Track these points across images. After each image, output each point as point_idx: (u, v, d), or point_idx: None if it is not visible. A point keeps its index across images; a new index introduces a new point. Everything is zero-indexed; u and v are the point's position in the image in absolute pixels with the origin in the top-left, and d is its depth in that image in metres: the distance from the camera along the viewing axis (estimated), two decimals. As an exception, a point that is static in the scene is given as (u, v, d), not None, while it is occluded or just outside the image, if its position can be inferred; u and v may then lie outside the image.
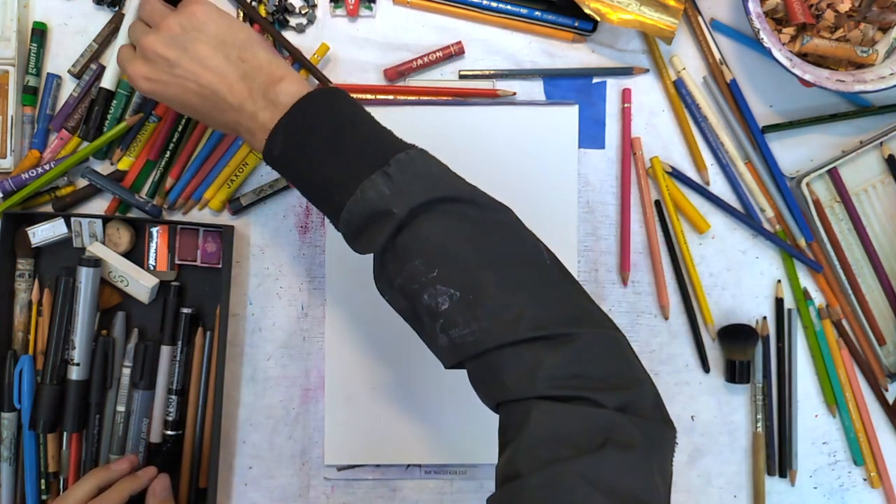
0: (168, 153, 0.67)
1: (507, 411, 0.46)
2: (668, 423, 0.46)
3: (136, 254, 0.67)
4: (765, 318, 0.69)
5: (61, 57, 0.67)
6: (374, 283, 0.51)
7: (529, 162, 0.68)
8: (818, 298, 0.70)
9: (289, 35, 0.68)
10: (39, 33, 0.66)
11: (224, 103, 0.52)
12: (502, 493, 0.44)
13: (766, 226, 0.69)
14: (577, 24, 0.68)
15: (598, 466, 0.41)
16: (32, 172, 0.65)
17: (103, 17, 0.67)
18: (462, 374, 0.51)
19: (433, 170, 0.50)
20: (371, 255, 0.50)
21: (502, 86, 0.68)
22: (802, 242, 0.69)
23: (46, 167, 0.65)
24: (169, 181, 0.67)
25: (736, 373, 0.68)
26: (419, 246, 0.47)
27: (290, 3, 0.67)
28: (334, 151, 0.49)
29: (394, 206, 0.47)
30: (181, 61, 0.52)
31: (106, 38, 0.67)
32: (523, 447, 0.43)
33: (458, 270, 0.47)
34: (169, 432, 0.66)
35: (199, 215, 0.68)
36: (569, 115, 0.68)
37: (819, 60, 0.65)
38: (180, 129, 0.66)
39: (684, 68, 0.68)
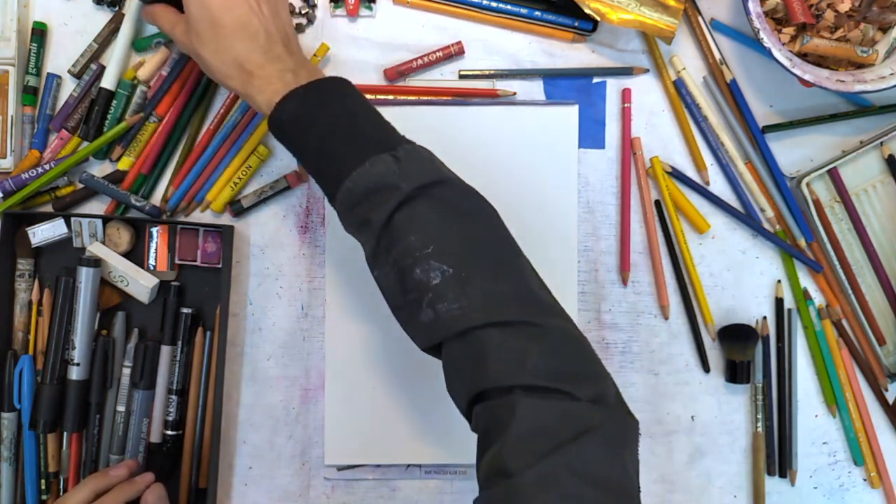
0: (161, 163, 0.67)
1: (488, 407, 0.48)
2: (631, 415, 0.49)
3: (136, 254, 0.67)
4: (765, 318, 0.69)
5: (61, 57, 0.67)
6: (367, 258, 0.53)
7: (529, 162, 0.68)
8: (818, 298, 0.70)
9: (289, 35, 0.68)
10: (39, 33, 0.66)
11: (266, 47, 0.55)
12: (495, 492, 0.45)
13: (766, 226, 0.69)
14: (577, 24, 0.68)
15: (581, 457, 0.44)
16: (32, 172, 0.65)
17: (103, 17, 0.67)
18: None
19: (434, 161, 0.54)
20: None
21: (502, 86, 0.68)
22: (802, 242, 0.69)
23: (46, 167, 0.65)
24: (170, 190, 0.67)
25: (736, 373, 0.68)
26: (416, 223, 0.50)
27: (290, 4, 0.67)
28: (345, 128, 0.53)
29: (402, 181, 0.50)
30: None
31: (106, 38, 0.67)
32: (510, 443, 0.45)
33: (452, 249, 0.49)
34: (169, 432, 0.66)
35: (199, 215, 0.68)
36: (569, 115, 0.68)
37: (819, 60, 0.65)
38: (176, 138, 0.67)
39: (684, 68, 0.68)
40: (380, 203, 0.50)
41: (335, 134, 0.52)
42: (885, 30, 0.65)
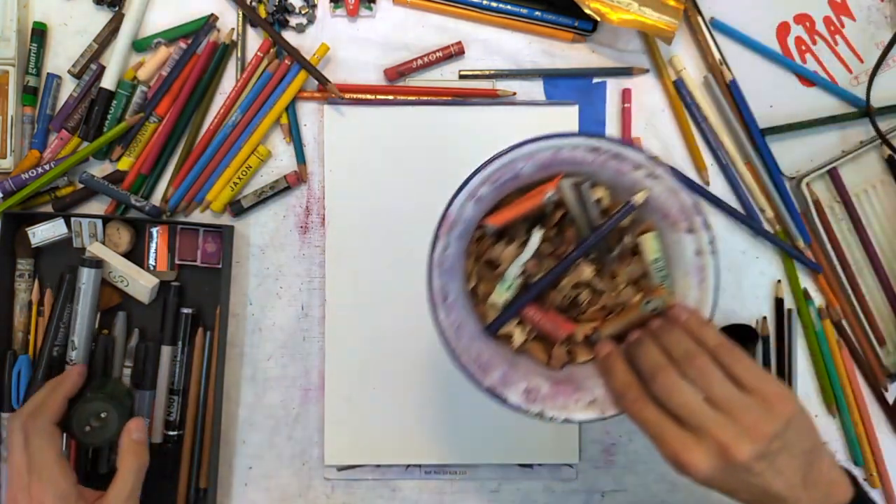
0: (161, 163, 0.67)
1: None
2: None
3: (136, 254, 0.67)
4: (765, 318, 0.69)
5: (61, 57, 0.67)
6: None
7: (529, 162, 0.68)
8: (818, 298, 0.70)
9: (289, 35, 0.68)
10: (39, 33, 0.66)
11: (776, 500, 0.48)
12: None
13: (766, 226, 0.69)
14: (577, 24, 0.68)
15: None
16: (32, 172, 0.65)
17: (103, 17, 0.67)
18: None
19: None
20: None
21: (502, 86, 0.68)
22: (801, 243, 0.69)
23: (46, 167, 0.65)
24: (170, 190, 0.67)
25: (736, 373, 0.68)
26: None
27: (290, 3, 0.67)
28: None
29: None
30: (763, 473, 0.47)
31: (106, 38, 0.67)
32: None
33: None
34: (169, 432, 0.66)
35: (199, 215, 0.68)
36: (569, 115, 0.68)
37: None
38: (175, 139, 0.67)
39: (684, 68, 0.68)
40: None
41: None
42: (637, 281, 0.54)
